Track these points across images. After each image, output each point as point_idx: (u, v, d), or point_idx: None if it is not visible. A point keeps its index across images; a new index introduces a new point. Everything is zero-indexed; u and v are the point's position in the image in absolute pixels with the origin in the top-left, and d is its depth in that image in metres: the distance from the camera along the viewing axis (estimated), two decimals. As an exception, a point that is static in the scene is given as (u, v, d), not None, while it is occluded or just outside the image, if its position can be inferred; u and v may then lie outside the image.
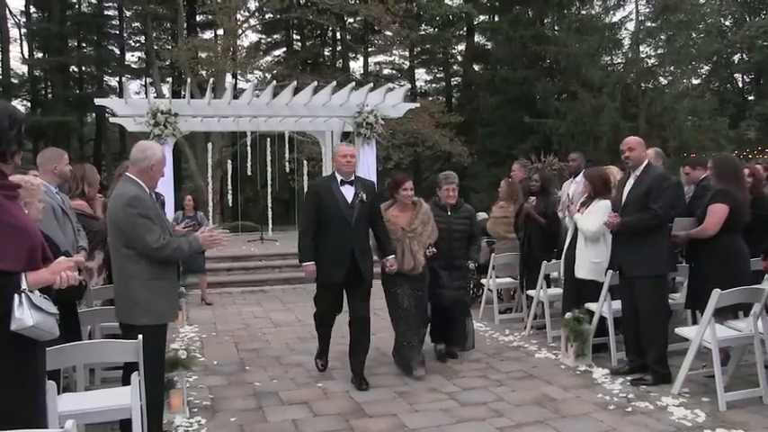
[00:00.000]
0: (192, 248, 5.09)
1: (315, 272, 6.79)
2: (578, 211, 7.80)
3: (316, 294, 7.18)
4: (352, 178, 6.94)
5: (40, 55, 39.73)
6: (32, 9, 39.92)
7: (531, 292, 9.01)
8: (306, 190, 7.15)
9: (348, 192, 6.84)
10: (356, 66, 42.62)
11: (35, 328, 3.16)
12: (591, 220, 7.40)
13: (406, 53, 41.01)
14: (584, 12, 34.65)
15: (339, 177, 6.89)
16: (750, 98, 37.65)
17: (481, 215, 11.23)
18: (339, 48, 42.35)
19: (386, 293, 7.33)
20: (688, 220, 6.89)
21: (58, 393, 4.38)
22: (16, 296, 3.11)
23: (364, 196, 6.82)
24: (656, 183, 6.58)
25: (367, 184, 7.13)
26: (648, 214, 6.46)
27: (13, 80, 39.61)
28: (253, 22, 34.72)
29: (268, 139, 20.84)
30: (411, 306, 7.19)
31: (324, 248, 6.79)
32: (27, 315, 3.12)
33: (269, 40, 43.14)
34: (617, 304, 7.15)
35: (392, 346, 8.05)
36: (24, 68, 39.69)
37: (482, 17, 39.46)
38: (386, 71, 43.29)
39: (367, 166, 18.04)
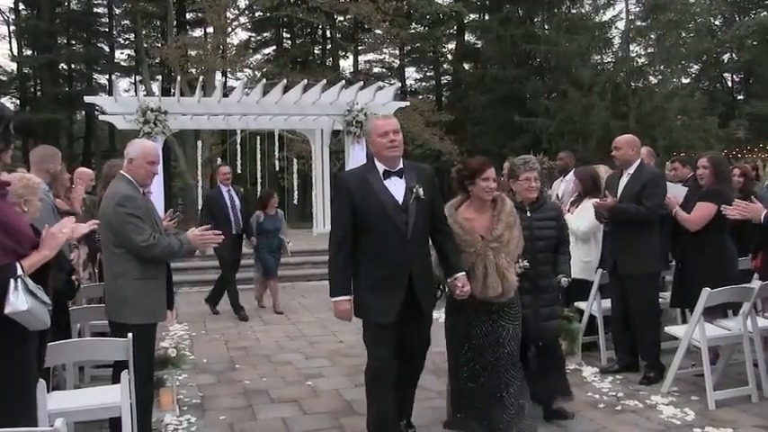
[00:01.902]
0: (184, 248, 5.06)
1: (349, 311, 4.80)
2: (569, 210, 7.80)
3: (365, 336, 4.98)
4: (401, 166, 4.84)
5: (29, 52, 39.57)
6: (21, 6, 39.71)
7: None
8: (334, 189, 5.48)
9: (396, 187, 4.78)
10: (346, 64, 42.66)
11: (28, 312, 3.17)
12: (581, 220, 7.41)
13: (397, 51, 41.03)
14: (574, 11, 34.82)
15: (381, 167, 4.81)
16: (739, 98, 37.88)
17: None
18: (329, 46, 42.30)
19: (447, 330, 5.32)
20: (682, 189, 6.96)
21: (48, 391, 4.37)
22: (12, 281, 3.12)
23: (421, 191, 4.74)
24: (651, 181, 6.63)
25: (423, 171, 5.01)
26: (642, 209, 6.49)
27: (1, 77, 39.60)
28: (243, 20, 34.66)
29: (258, 138, 20.86)
30: (489, 350, 5.08)
31: (367, 273, 4.77)
32: (21, 300, 3.13)
33: (259, 38, 43.05)
34: (607, 303, 7.17)
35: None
36: (13, 66, 39.56)
37: (472, 16, 39.61)
38: (376, 69, 43.27)
39: (357, 165, 18.07)
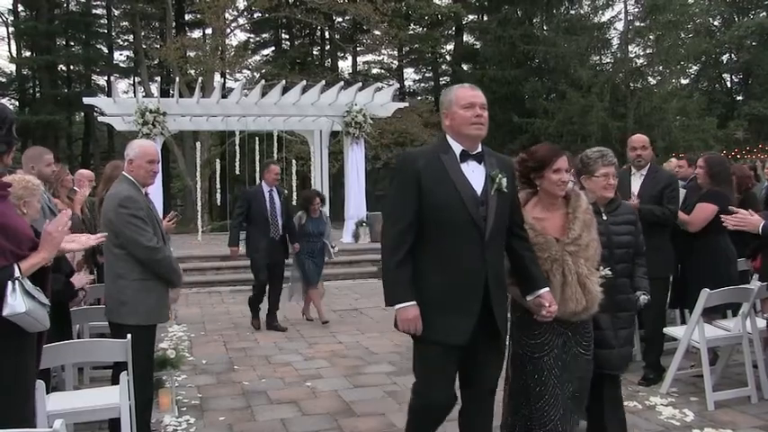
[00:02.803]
0: (179, 274, 5.14)
1: (419, 317, 3.75)
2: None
3: (418, 364, 4.01)
4: (480, 149, 3.92)
5: (27, 53, 39.64)
6: (20, 7, 39.77)
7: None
8: (397, 168, 4.12)
9: (475, 174, 3.86)
10: (345, 65, 42.74)
11: (27, 315, 3.17)
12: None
13: (395, 52, 41.05)
14: (572, 11, 34.81)
15: (458, 148, 3.90)
16: (738, 98, 37.86)
17: None
18: (328, 47, 42.27)
19: (515, 359, 4.33)
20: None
21: (47, 392, 4.37)
22: (9, 283, 3.12)
23: (504, 181, 3.85)
24: (671, 185, 6.55)
25: (504, 160, 4.04)
26: (667, 211, 6.40)
27: (0, 79, 39.53)
28: (241, 21, 34.72)
29: (257, 139, 20.88)
30: (563, 385, 4.16)
31: (429, 282, 3.81)
32: (20, 302, 3.12)
33: (257, 39, 43.12)
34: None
35: (382, 345, 8.02)
36: (12, 67, 39.60)
37: (471, 17, 39.70)
38: (374, 70, 43.26)
39: (356, 166, 18.09)
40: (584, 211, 4.28)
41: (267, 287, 9.88)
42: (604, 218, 4.73)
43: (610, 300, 4.39)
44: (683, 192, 7.01)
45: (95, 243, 4.35)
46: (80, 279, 5.18)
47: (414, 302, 3.73)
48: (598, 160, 4.76)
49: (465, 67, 40.43)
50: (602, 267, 4.37)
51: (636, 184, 6.65)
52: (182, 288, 5.22)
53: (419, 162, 3.84)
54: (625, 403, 5.82)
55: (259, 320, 9.85)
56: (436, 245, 3.80)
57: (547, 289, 3.98)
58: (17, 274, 3.17)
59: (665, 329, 6.60)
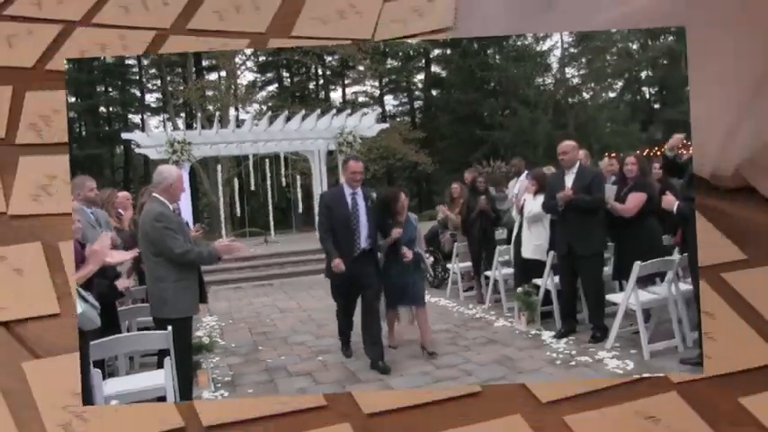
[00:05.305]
0: (211, 256, 5.15)
1: None
2: (522, 204, 7.84)
3: None
4: None
5: (72, 99, 39.39)
6: (64, 61, 39.45)
7: (489, 273, 8.97)
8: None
9: None
10: (336, 96, 42.54)
11: (83, 315, 3.18)
12: (537, 205, 7.38)
13: (377, 83, 41.02)
14: (519, 42, 34.95)
15: None
16: (656, 106, 38.03)
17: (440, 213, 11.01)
18: (321, 81, 42.23)
19: None
20: (612, 188, 6.96)
21: (104, 379, 4.34)
22: None
23: None
24: (596, 177, 6.66)
25: None
26: (597, 199, 6.47)
27: (53, 122, 39.33)
28: (249, 64, 34.65)
29: (267, 160, 20.86)
30: None
31: None
32: (77, 304, 3.14)
33: (263, 78, 42.90)
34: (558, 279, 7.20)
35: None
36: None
37: (437, 51, 39.70)
38: (360, 99, 43.13)
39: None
40: None
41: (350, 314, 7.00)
42: None
43: None
44: (613, 187, 7.00)
45: (130, 257, 4.36)
46: (122, 282, 5.24)
47: None
48: None
49: (434, 92, 40.51)
50: None
51: (569, 180, 6.68)
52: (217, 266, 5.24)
53: None
54: (579, 358, 5.96)
55: (350, 351, 6.91)
56: None
57: None
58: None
59: (607, 296, 6.63)
